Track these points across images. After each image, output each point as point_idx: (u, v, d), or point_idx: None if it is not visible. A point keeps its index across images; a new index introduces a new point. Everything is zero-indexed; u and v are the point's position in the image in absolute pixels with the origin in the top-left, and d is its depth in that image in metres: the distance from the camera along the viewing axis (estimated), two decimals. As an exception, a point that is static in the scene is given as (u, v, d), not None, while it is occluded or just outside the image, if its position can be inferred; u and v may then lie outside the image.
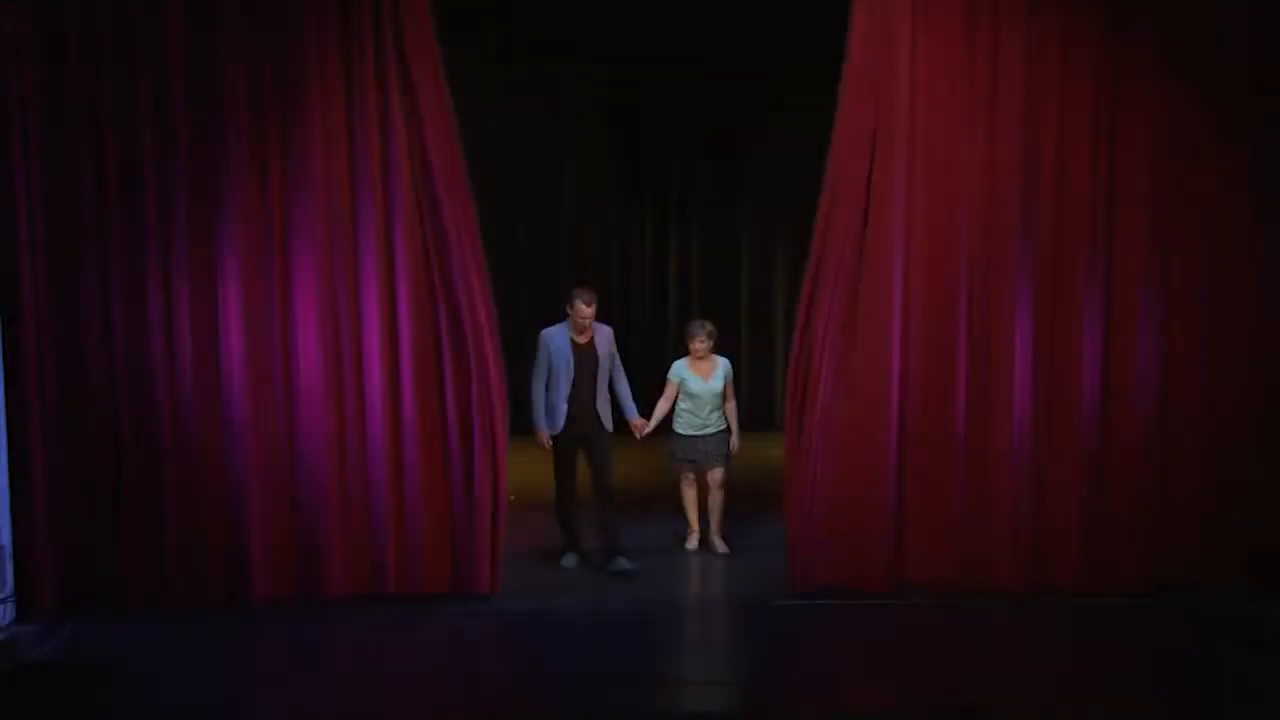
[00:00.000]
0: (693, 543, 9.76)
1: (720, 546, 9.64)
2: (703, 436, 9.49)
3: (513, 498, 11.38)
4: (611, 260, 14.41)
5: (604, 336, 9.09)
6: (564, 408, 8.92)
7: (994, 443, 8.46)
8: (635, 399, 9.28)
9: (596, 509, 9.10)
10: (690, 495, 9.69)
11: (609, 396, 9.12)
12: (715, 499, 9.59)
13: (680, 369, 9.51)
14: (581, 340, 8.98)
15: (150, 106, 8.04)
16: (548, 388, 8.94)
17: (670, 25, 13.03)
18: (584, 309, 8.87)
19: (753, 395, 14.45)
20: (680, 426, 9.53)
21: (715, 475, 9.55)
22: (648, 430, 9.29)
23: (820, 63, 13.47)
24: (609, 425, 9.05)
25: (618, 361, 9.18)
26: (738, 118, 13.91)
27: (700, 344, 9.44)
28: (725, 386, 9.45)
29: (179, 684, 7.25)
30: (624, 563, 9.01)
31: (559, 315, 13.96)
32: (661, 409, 9.47)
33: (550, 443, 9.00)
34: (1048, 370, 8.48)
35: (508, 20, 13.21)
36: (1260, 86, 8.30)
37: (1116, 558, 8.56)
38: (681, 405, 9.50)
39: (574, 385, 8.91)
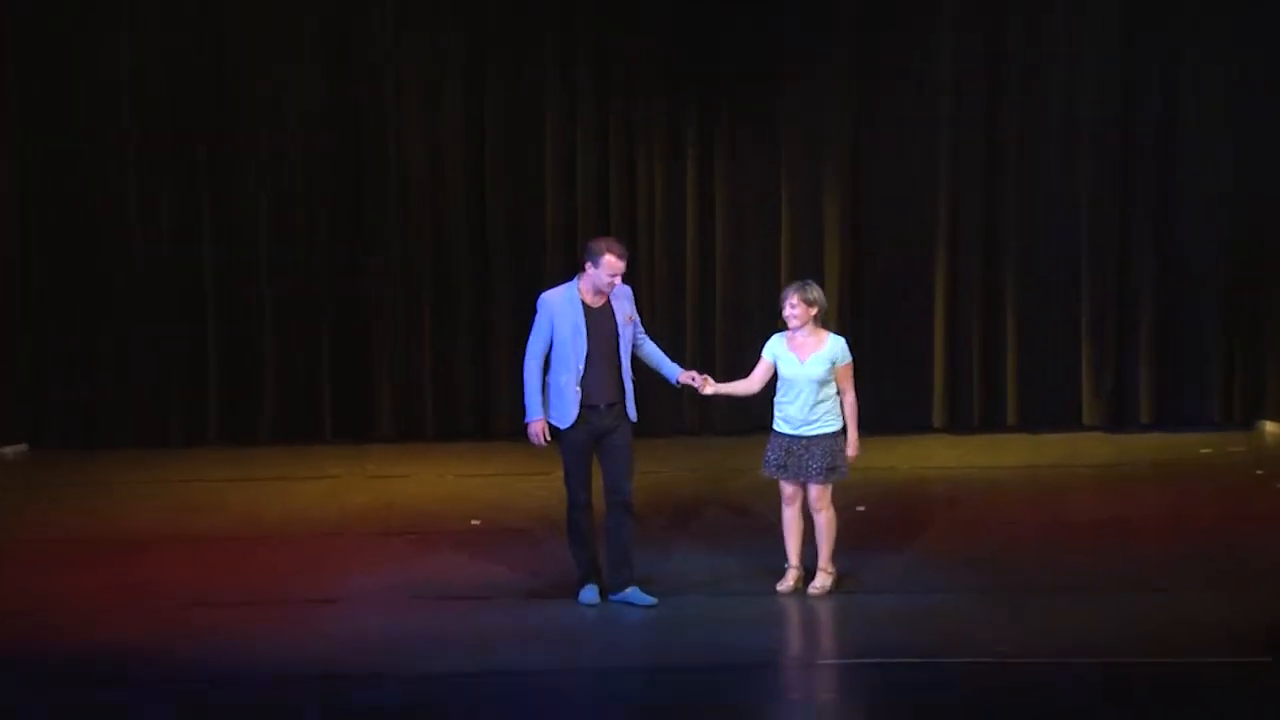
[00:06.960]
0: (786, 582, 7.73)
1: (818, 584, 7.64)
2: (798, 437, 7.51)
3: (476, 522, 9.61)
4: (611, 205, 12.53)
5: (622, 297, 7.51)
6: (575, 392, 7.33)
7: None
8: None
9: (607, 522, 7.60)
10: (788, 515, 7.68)
11: (634, 377, 7.55)
12: (819, 522, 7.61)
13: (775, 344, 7.63)
14: (595, 303, 7.44)
15: None
16: (550, 367, 7.43)
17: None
18: (615, 263, 7.31)
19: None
20: (775, 421, 7.61)
21: (815, 491, 7.57)
22: (710, 387, 7.66)
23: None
24: (633, 415, 7.54)
25: (640, 328, 7.65)
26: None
27: (790, 309, 7.48)
28: (834, 373, 7.51)
29: None
30: (639, 594, 7.55)
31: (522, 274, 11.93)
32: (739, 388, 7.74)
33: (548, 437, 7.48)
34: None
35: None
36: None
37: None
38: (777, 393, 7.64)
39: (587, 361, 7.35)
